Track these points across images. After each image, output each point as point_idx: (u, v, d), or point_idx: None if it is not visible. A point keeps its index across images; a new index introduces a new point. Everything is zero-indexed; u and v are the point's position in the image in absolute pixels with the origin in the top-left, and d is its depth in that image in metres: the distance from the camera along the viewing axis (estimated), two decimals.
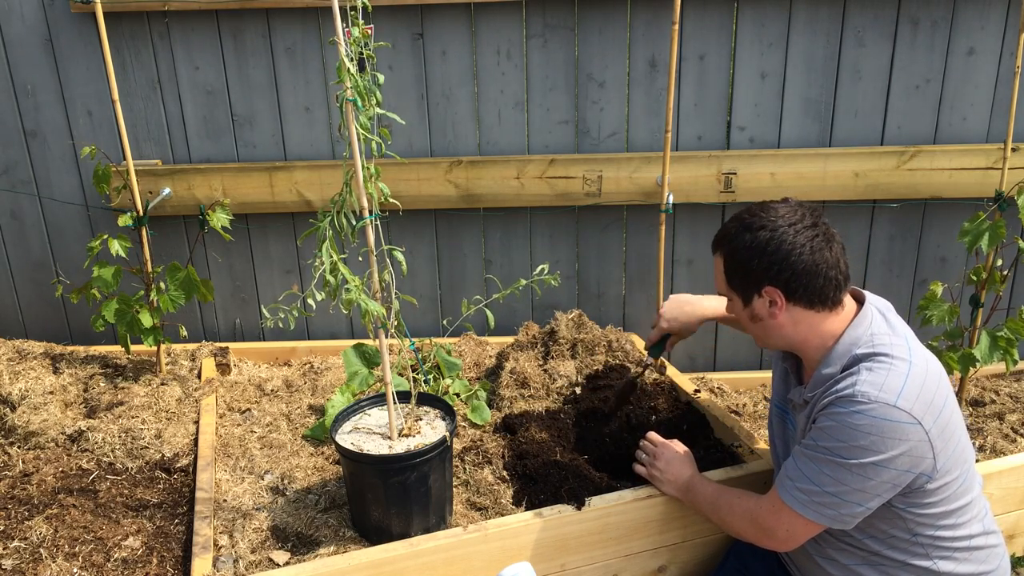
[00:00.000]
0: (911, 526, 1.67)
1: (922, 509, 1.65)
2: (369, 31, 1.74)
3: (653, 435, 2.14)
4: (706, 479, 1.99)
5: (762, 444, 2.27)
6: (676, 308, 2.22)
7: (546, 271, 2.53)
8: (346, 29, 1.73)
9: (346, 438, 2.02)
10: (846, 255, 1.71)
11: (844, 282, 1.69)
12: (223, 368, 2.90)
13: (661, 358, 2.80)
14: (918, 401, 1.57)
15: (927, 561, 1.70)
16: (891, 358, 1.62)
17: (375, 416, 2.12)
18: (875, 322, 1.70)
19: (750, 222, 1.70)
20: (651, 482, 2.04)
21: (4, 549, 1.99)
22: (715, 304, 2.21)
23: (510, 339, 2.95)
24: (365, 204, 1.84)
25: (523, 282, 2.59)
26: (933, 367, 1.66)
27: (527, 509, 2.05)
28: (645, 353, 2.22)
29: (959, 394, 2.70)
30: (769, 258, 1.65)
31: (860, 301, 1.76)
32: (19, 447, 2.44)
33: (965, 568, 1.71)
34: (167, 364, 2.90)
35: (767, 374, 3.13)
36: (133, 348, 2.91)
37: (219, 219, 2.76)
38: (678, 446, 2.09)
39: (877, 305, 1.77)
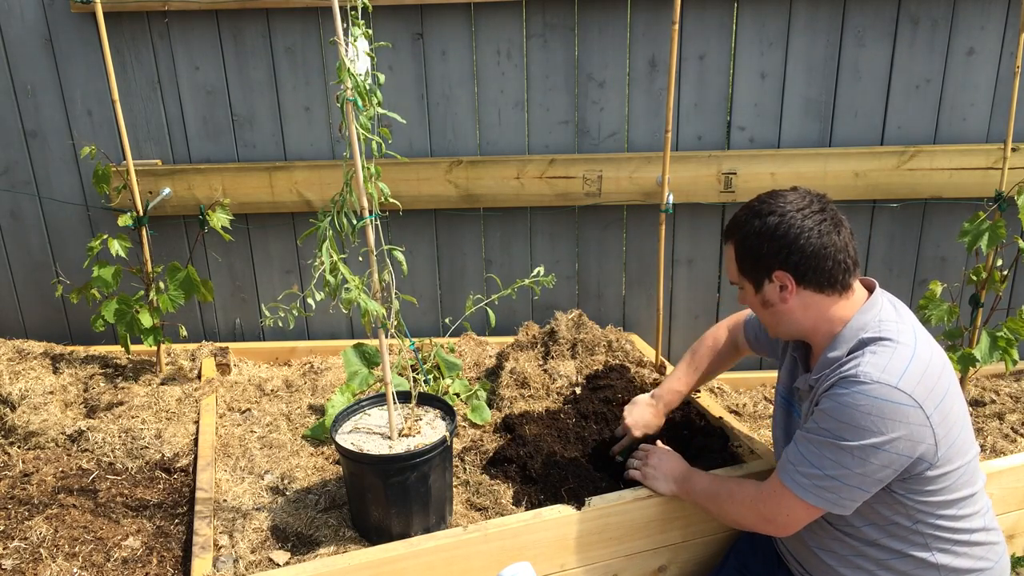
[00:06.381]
0: (912, 513, 1.68)
1: (922, 496, 1.65)
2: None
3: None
4: (701, 472, 2.00)
5: (762, 444, 2.27)
6: (640, 412, 2.23)
7: (543, 273, 2.53)
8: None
9: (346, 438, 2.02)
10: (855, 240, 1.73)
11: (853, 266, 1.71)
12: (223, 368, 2.90)
13: (663, 359, 2.80)
14: (920, 385, 1.58)
15: (925, 552, 1.70)
16: (895, 342, 1.63)
17: (375, 416, 2.12)
18: (884, 309, 1.72)
19: (759, 208, 1.73)
20: (645, 483, 2.03)
21: (4, 549, 1.99)
22: (676, 385, 2.25)
23: (510, 339, 2.95)
24: (365, 204, 1.84)
25: (521, 282, 2.59)
26: (937, 356, 1.67)
27: (527, 509, 2.05)
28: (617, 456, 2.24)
29: None
30: (779, 242, 1.68)
31: (871, 289, 1.77)
32: (19, 447, 2.44)
33: (962, 563, 1.71)
34: (167, 364, 2.90)
35: (767, 374, 3.14)
36: (133, 348, 2.91)
37: (219, 219, 2.76)
38: (665, 446, 2.12)
39: (888, 296, 1.79)
